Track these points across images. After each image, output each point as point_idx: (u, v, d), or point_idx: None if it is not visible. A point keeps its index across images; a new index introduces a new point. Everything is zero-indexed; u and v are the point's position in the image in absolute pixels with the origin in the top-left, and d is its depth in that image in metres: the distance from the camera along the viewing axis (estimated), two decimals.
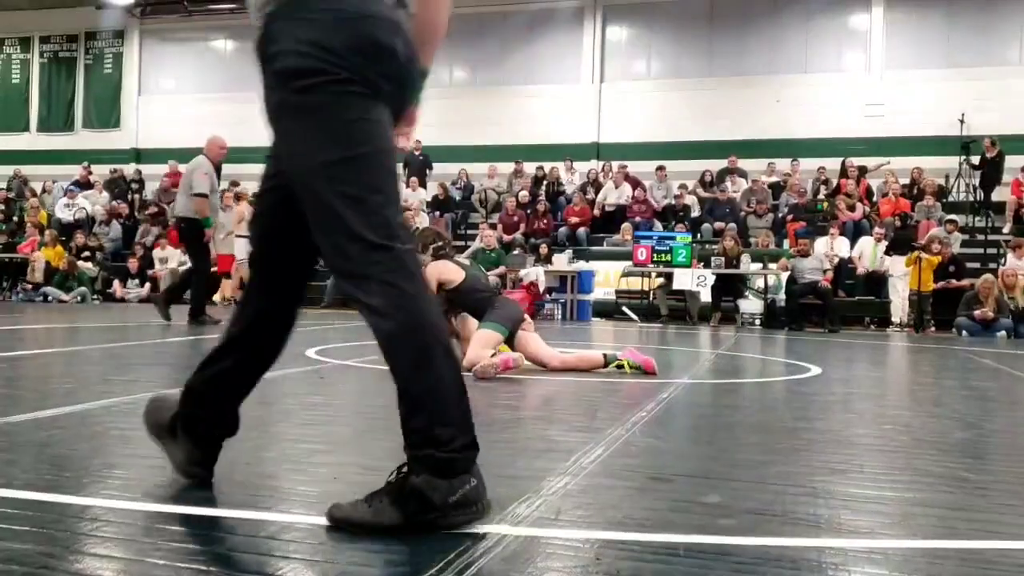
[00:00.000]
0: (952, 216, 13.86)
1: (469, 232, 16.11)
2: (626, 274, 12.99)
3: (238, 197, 14.59)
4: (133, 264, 15.76)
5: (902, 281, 12.30)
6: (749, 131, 16.99)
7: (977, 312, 11.16)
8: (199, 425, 2.04)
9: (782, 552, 1.70)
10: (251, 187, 18.05)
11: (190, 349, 6.35)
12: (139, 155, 20.78)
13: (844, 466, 2.55)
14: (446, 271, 5.15)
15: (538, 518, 1.86)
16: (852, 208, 14.45)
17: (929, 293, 12.00)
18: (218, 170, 9.12)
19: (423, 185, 17.34)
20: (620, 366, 4.96)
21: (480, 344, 4.84)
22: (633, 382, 4.64)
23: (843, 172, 15.57)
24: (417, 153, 17.91)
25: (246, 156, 19.32)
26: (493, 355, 4.73)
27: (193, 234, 8.61)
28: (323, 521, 1.78)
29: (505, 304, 5.09)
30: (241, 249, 13.26)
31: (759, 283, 12.68)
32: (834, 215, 14.51)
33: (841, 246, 13.56)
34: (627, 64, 18.48)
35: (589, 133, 18.24)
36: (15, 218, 18.27)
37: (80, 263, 15.33)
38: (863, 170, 15.62)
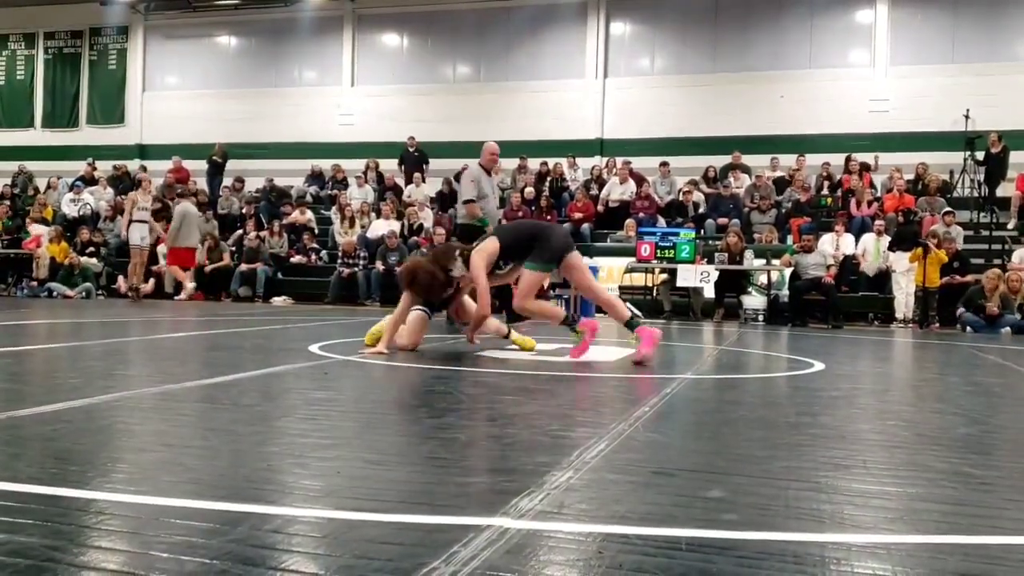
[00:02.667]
0: (949, 208, 13.83)
1: None
2: (629, 270, 12.99)
3: (139, 182, 14.74)
4: None
5: (906, 277, 12.26)
6: (753, 127, 16.97)
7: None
8: None
9: (785, 547, 1.70)
10: (257, 184, 18.07)
11: (193, 345, 6.36)
12: (143, 151, 20.82)
13: (847, 461, 2.55)
14: (486, 249, 5.41)
15: (541, 512, 1.86)
16: (869, 203, 14.43)
17: (935, 289, 11.97)
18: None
19: (422, 180, 17.33)
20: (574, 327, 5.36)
21: (526, 287, 5.25)
22: (636, 377, 4.64)
23: (847, 168, 15.54)
24: (412, 149, 17.89)
25: (251, 152, 19.44)
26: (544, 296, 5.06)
27: (470, 238, 8.95)
28: (326, 514, 1.79)
29: (544, 243, 5.32)
30: (135, 235, 13.49)
31: (762, 279, 12.67)
32: (839, 209, 14.47)
33: (847, 243, 13.54)
34: (631, 60, 18.45)
35: (593, 129, 18.23)
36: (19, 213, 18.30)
37: (84, 259, 15.36)
38: (865, 166, 15.59)
